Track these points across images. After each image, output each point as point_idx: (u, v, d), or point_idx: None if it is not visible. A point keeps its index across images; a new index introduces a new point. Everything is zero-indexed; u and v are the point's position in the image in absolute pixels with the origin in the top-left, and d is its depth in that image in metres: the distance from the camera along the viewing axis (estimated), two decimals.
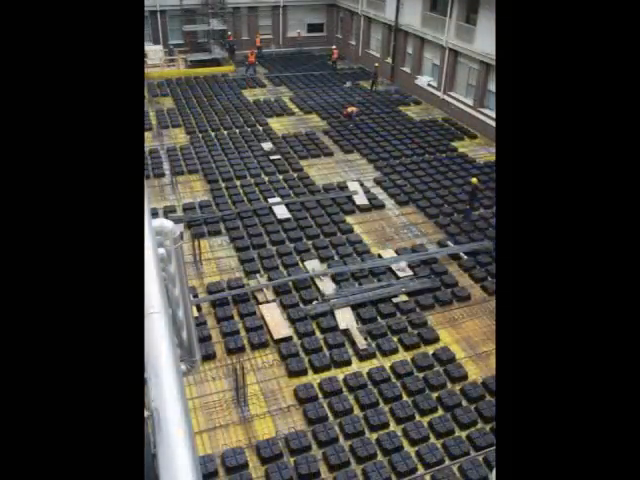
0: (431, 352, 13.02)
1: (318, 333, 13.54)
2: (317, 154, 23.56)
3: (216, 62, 35.29)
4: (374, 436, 10.80)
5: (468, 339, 13.59)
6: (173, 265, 4.52)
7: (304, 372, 12.36)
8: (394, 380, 12.19)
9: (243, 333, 13.42)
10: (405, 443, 10.73)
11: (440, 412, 11.47)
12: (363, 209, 19.26)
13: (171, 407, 2.40)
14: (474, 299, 14.98)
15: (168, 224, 4.37)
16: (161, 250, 4.39)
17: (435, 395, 11.85)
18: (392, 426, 11.12)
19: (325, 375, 12.31)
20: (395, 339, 13.37)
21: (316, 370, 12.42)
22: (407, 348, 13.14)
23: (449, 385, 12.17)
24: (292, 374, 12.27)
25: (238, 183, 20.86)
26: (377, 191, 20.66)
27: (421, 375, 12.33)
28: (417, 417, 11.33)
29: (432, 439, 10.89)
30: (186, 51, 35.59)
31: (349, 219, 18.68)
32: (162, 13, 35.42)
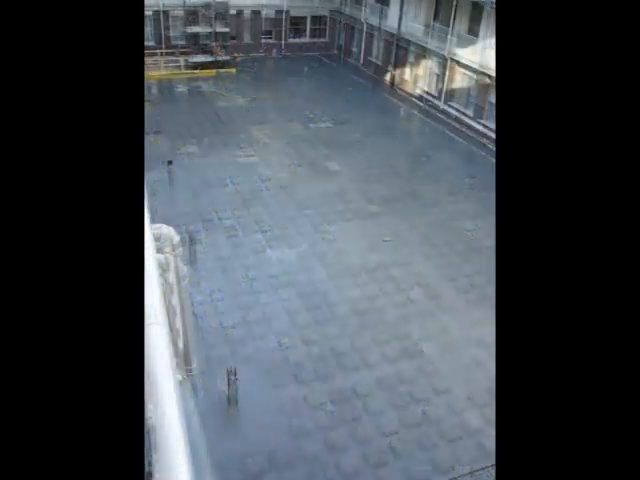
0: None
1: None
2: None
3: (218, 64, 35.22)
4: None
5: None
6: (172, 273, 4.46)
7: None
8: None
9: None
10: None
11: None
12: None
13: (169, 425, 2.35)
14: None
15: (167, 229, 4.30)
16: (160, 257, 4.34)
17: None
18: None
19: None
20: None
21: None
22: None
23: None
24: None
25: None
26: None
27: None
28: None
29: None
30: (188, 52, 35.52)
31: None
32: (165, 13, 35.38)
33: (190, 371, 4.71)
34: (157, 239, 4.20)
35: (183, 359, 4.58)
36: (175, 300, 4.49)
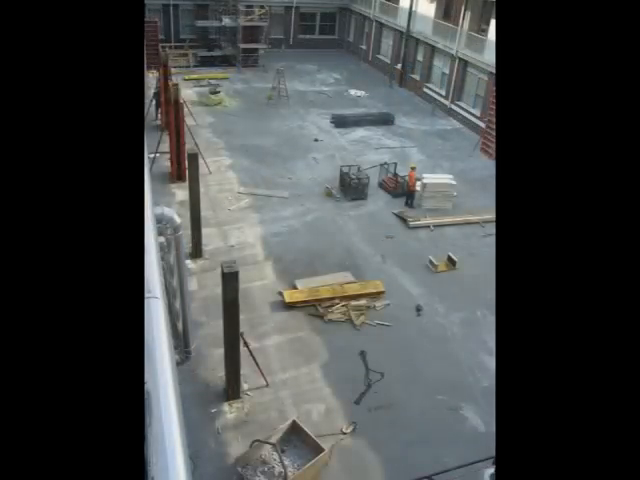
0: None
1: None
2: None
3: (225, 59, 35.23)
4: None
5: None
6: (172, 254, 4.52)
7: None
8: None
9: None
10: None
11: None
12: None
13: (164, 390, 2.40)
14: None
15: (169, 212, 4.37)
16: (161, 239, 4.39)
17: None
18: None
19: None
20: None
21: None
22: None
23: None
24: None
25: None
26: None
27: None
28: None
29: None
30: (197, 46, 35.56)
31: None
32: (175, 7, 35.48)
33: (189, 352, 4.76)
34: (159, 221, 4.26)
35: (182, 341, 4.63)
36: (175, 282, 4.55)
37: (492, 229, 17.55)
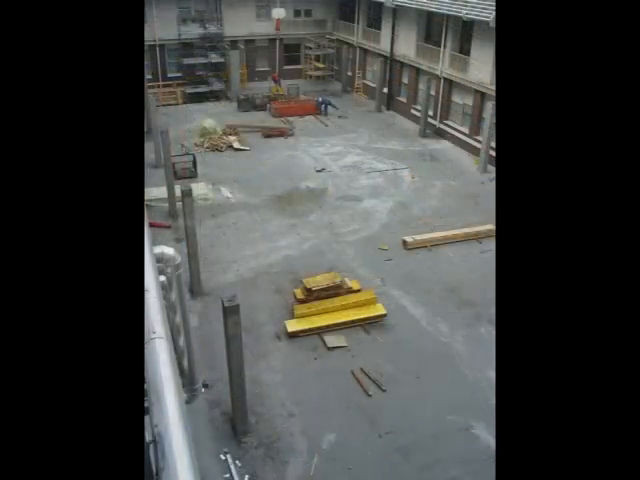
0: None
1: None
2: None
3: (213, 94, 35.63)
4: None
5: None
6: (174, 293, 4.51)
7: None
8: None
9: None
10: None
11: None
12: None
13: (175, 432, 2.37)
14: None
15: (169, 251, 4.37)
16: (162, 278, 4.38)
17: None
18: None
19: None
20: None
21: None
22: None
23: None
24: None
25: None
26: None
27: None
28: None
29: None
30: (185, 83, 35.91)
31: None
32: (161, 47, 35.94)
33: (195, 390, 4.72)
34: (159, 260, 4.26)
35: (188, 379, 4.58)
36: (178, 319, 4.52)
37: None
